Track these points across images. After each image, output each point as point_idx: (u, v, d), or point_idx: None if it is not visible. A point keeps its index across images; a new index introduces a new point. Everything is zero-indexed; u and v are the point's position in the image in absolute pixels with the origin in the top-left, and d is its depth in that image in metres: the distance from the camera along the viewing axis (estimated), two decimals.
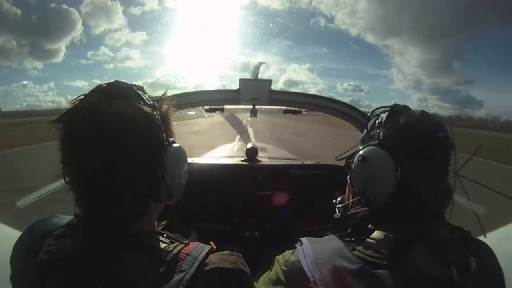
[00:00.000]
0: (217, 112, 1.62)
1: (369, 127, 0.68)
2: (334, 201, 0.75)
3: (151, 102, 0.56)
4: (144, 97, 0.55)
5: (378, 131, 0.64)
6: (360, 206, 0.65)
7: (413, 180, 0.59)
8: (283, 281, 0.61)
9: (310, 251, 0.58)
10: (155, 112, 0.55)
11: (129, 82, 0.58)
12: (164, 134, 0.57)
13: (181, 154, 0.59)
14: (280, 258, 0.65)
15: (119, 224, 0.52)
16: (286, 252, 0.65)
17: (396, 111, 0.65)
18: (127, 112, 0.51)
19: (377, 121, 0.66)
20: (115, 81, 0.57)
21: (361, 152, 0.63)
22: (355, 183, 0.65)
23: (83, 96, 0.53)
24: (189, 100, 1.57)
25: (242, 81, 1.44)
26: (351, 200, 0.69)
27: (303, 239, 0.62)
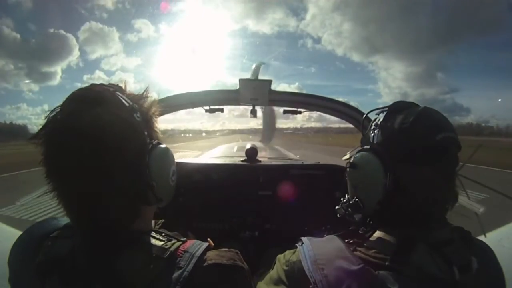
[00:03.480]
0: (216, 112, 1.62)
1: (367, 129, 0.66)
2: (342, 199, 0.73)
3: (130, 104, 0.54)
4: (122, 99, 0.53)
5: (372, 133, 0.62)
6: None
7: (407, 187, 0.56)
8: (284, 281, 0.61)
9: (311, 252, 0.58)
10: (135, 115, 0.53)
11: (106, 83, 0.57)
12: (148, 138, 0.55)
13: (166, 156, 0.58)
14: (281, 257, 0.65)
15: (112, 227, 0.52)
16: (287, 251, 0.65)
17: (395, 110, 0.61)
18: (105, 120, 0.49)
19: (373, 123, 0.63)
20: (91, 84, 0.55)
21: (352, 158, 0.62)
22: (348, 189, 0.65)
23: (59, 108, 0.51)
24: (189, 101, 1.57)
25: (241, 81, 1.43)
26: (342, 204, 0.68)
27: (304, 239, 0.62)
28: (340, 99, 1.59)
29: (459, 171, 0.60)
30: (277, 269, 0.64)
